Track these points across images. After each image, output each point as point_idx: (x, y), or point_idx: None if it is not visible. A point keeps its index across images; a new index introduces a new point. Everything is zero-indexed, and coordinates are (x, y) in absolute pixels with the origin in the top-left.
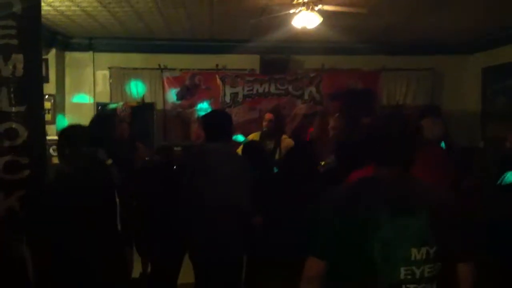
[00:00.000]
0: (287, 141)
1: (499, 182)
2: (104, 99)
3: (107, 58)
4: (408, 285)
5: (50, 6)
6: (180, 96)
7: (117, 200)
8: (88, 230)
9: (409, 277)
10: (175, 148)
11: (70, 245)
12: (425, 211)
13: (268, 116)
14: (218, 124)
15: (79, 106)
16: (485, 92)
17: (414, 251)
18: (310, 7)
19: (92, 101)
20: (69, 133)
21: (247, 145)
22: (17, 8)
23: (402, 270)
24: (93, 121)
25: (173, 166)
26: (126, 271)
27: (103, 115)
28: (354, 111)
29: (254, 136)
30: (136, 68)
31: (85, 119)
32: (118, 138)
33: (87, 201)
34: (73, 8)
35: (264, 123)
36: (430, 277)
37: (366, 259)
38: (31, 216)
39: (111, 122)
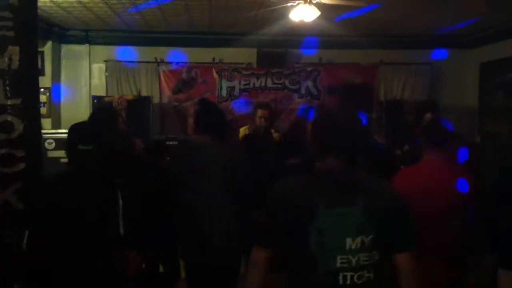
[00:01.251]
0: (275, 135)
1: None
2: (100, 92)
3: (103, 51)
4: (345, 273)
5: None
6: (176, 90)
7: (120, 201)
8: (82, 230)
9: (345, 265)
10: (171, 143)
11: (64, 245)
12: (361, 202)
13: (262, 112)
14: (209, 117)
15: (75, 99)
16: (484, 86)
17: (349, 240)
18: (308, 0)
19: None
20: (69, 131)
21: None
22: None
23: (338, 258)
24: (93, 117)
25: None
26: (120, 274)
27: (103, 110)
28: (351, 105)
29: (243, 130)
30: (133, 61)
31: (80, 112)
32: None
33: (82, 201)
34: None
35: (258, 120)
36: (367, 265)
37: (305, 247)
38: (30, 213)
39: (112, 117)
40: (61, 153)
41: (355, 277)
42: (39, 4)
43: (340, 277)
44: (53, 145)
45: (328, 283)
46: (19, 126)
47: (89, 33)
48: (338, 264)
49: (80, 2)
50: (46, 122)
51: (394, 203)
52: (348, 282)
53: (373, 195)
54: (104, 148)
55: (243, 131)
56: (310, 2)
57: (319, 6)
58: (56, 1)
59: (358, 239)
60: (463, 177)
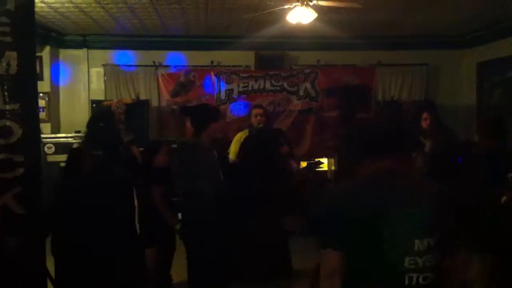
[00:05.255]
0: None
1: None
2: (99, 96)
3: (101, 55)
4: (410, 274)
5: (44, 3)
6: (175, 93)
7: (136, 202)
8: (101, 230)
9: (412, 266)
10: (172, 145)
11: (84, 244)
12: (427, 204)
13: (258, 111)
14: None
15: (74, 103)
16: (481, 86)
17: (417, 242)
18: (305, 2)
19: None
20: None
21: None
22: (10, 5)
23: (407, 259)
24: (93, 123)
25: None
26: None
27: (102, 115)
28: (349, 107)
29: (243, 134)
30: (131, 65)
31: (79, 117)
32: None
33: (101, 202)
34: (67, 5)
35: (255, 119)
36: (431, 266)
37: (375, 249)
38: (51, 214)
39: (112, 122)
40: (60, 157)
41: (420, 278)
42: (36, 9)
43: (407, 278)
44: (53, 149)
45: (395, 283)
46: (18, 131)
47: (87, 38)
48: (406, 265)
49: (77, 7)
50: (45, 127)
51: (452, 206)
52: (414, 283)
53: (437, 198)
54: (112, 153)
55: (241, 135)
56: (307, 4)
57: (316, 8)
58: (54, 6)
59: (425, 241)
60: None
